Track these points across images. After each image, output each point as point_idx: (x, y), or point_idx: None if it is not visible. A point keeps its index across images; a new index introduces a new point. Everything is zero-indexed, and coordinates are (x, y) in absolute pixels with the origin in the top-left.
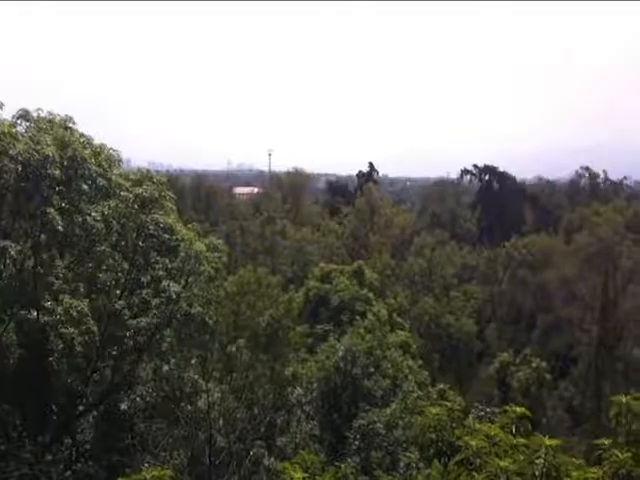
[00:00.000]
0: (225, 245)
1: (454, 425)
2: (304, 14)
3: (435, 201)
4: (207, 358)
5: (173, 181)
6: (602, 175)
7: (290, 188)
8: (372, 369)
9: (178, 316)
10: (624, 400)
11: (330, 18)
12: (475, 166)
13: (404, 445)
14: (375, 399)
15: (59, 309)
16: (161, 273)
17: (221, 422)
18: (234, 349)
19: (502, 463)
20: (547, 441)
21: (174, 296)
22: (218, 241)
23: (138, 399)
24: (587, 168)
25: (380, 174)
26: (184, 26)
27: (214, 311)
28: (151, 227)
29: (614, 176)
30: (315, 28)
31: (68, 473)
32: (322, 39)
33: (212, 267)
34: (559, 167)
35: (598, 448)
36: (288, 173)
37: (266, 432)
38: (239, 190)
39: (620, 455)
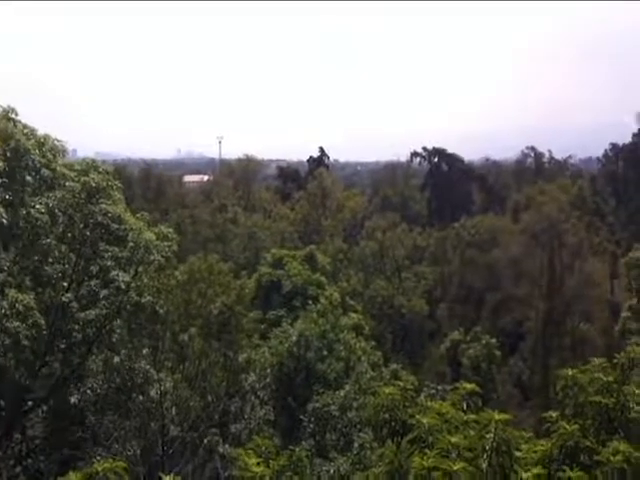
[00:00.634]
0: (175, 234)
1: (407, 404)
2: None
3: (386, 184)
4: (158, 348)
5: (121, 170)
6: (547, 155)
7: (241, 175)
8: (325, 352)
9: (128, 306)
10: (570, 373)
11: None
12: (424, 148)
13: (358, 426)
14: (329, 382)
15: (4, 303)
16: (109, 263)
17: (174, 411)
18: (186, 338)
19: (453, 439)
20: (497, 416)
21: (123, 286)
22: (168, 230)
23: (88, 392)
24: (532, 148)
25: (331, 159)
26: (128, 16)
27: (165, 300)
28: (99, 217)
29: (559, 155)
30: (260, 12)
31: (18, 469)
32: (267, 24)
33: (162, 256)
34: (506, 148)
35: (546, 421)
36: (239, 160)
37: (220, 419)
38: (189, 178)
39: (568, 427)
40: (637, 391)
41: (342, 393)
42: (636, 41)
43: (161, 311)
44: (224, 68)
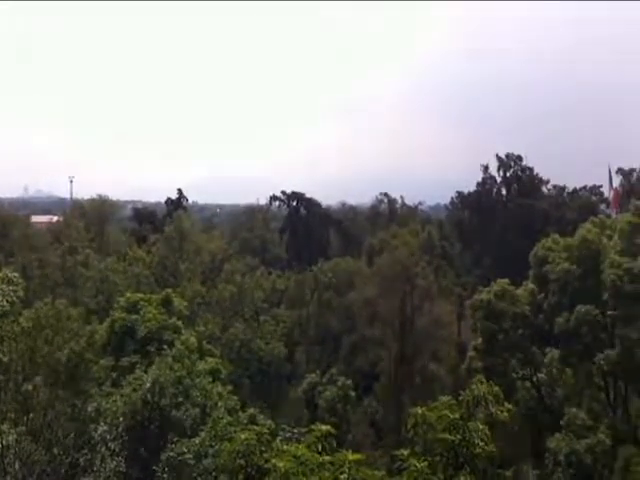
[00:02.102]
0: (21, 278)
1: (263, 449)
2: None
3: (245, 227)
4: (0, 399)
5: None
6: (399, 201)
7: (94, 216)
8: (181, 399)
9: None
10: (420, 412)
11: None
12: (283, 192)
13: (214, 474)
14: (185, 429)
15: None
16: None
17: (17, 466)
18: (30, 387)
19: None
20: (350, 456)
21: None
22: (13, 274)
23: None
24: (386, 194)
25: (190, 201)
26: None
27: (8, 348)
28: None
29: (410, 201)
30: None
31: None
32: (118, 57)
33: (7, 301)
34: (361, 193)
35: (398, 459)
36: (91, 200)
37: (68, 473)
38: (37, 219)
39: (417, 464)
40: (481, 427)
41: (197, 440)
42: (483, 95)
43: (4, 359)
44: (75, 103)
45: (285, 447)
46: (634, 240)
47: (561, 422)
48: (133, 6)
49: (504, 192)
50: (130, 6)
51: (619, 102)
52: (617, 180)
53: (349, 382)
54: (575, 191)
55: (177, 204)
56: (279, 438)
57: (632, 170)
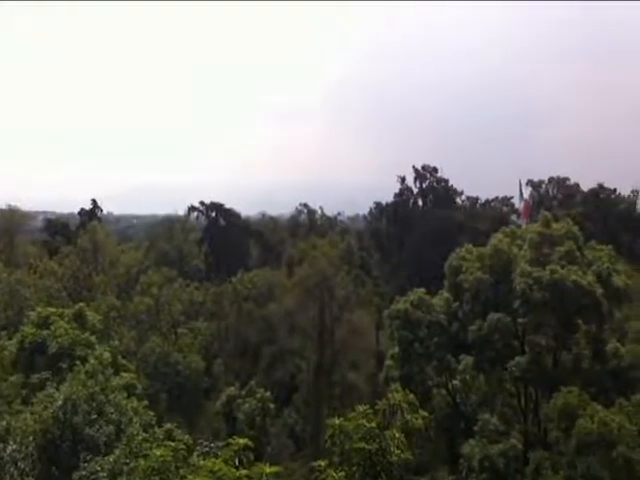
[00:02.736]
0: None
1: (179, 465)
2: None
3: (162, 238)
4: None
5: None
6: (319, 211)
7: (2, 227)
8: (95, 415)
9: None
10: (337, 422)
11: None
12: (202, 203)
13: None
14: (98, 447)
15: None
16: None
17: None
18: None
19: None
20: (267, 469)
21: None
22: None
23: None
24: (305, 205)
25: (105, 211)
26: None
27: None
28: None
29: (329, 212)
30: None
31: None
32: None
33: None
34: (282, 204)
35: (315, 470)
36: (1, 211)
37: None
38: None
39: (335, 475)
40: (397, 435)
41: (112, 458)
42: (404, 108)
43: None
44: None
45: (202, 462)
46: (543, 250)
47: (475, 428)
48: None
49: (420, 203)
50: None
51: (529, 115)
52: (527, 192)
53: (268, 394)
54: (487, 202)
55: (91, 215)
56: (196, 453)
57: (541, 182)
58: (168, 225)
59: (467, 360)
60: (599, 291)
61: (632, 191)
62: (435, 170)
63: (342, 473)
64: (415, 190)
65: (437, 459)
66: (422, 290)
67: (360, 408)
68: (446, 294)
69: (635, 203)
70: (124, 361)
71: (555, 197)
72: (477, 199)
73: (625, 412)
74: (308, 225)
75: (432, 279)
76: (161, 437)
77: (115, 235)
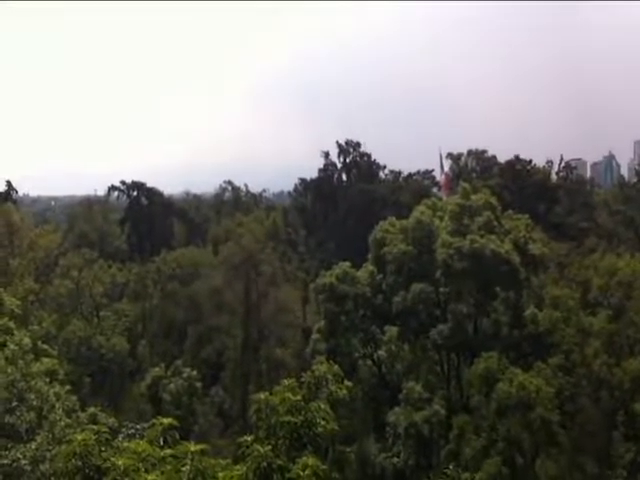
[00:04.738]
0: None
1: (102, 448)
2: None
3: (82, 220)
4: None
5: None
6: (244, 189)
7: None
8: (15, 403)
9: None
10: (263, 396)
11: None
12: (123, 182)
13: (52, 478)
14: (20, 434)
15: None
16: None
17: None
18: None
19: (150, 477)
20: (193, 447)
21: None
22: None
23: None
24: (230, 182)
25: (20, 193)
26: None
27: None
28: None
29: (254, 189)
30: None
31: None
32: None
33: None
34: (205, 182)
35: (242, 446)
36: None
37: None
38: None
39: (261, 449)
40: (323, 407)
41: (34, 445)
42: (322, 83)
43: None
44: None
45: (126, 444)
46: (462, 221)
47: (400, 396)
48: None
49: (345, 178)
50: None
51: (449, 89)
52: (447, 165)
53: (195, 373)
54: (410, 176)
55: (5, 197)
56: (121, 436)
57: (460, 155)
58: (87, 206)
59: (392, 331)
60: (516, 259)
61: (547, 162)
62: (358, 145)
63: (268, 447)
64: (339, 165)
65: (364, 428)
66: (347, 264)
67: (286, 382)
68: (370, 267)
69: (549, 173)
70: (45, 346)
71: (474, 169)
72: (400, 173)
73: (543, 375)
74: (233, 202)
75: (357, 253)
76: (85, 422)
77: (32, 217)
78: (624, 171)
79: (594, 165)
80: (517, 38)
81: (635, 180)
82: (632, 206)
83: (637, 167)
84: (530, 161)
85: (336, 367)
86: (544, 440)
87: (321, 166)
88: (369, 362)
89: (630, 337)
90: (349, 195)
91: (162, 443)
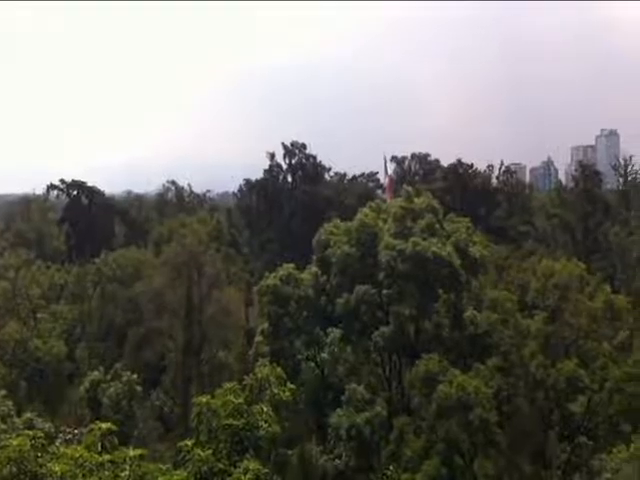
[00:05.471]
0: None
1: (38, 454)
2: None
3: (19, 219)
4: None
5: None
6: (187, 189)
7: None
8: None
9: None
10: (204, 400)
11: None
12: (62, 181)
13: None
14: None
15: None
16: None
17: None
18: None
19: None
20: (131, 452)
21: None
22: None
23: None
24: (173, 182)
25: None
26: None
27: None
28: None
29: (198, 189)
30: None
31: None
32: None
33: None
34: (147, 181)
35: (182, 450)
36: None
37: None
38: None
39: (201, 453)
40: (265, 409)
41: None
42: (273, 85)
43: None
44: None
45: (63, 450)
46: (406, 223)
47: (342, 398)
48: None
49: (290, 179)
50: None
51: (395, 92)
52: (391, 168)
53: (135, 377)
54: (354, 178)
55: None
56: (58, 441)
57: (404, 158)
58: (25, 204)
59: (335, 332)
60: (457, 261)
61: (487, 166)
62: (304, 146)
63: (209, 451)
64: (284, 166)
65: (307, 431)
66: (291, 265)
67: (228, 385)
68: (314, 269)
69: (490, 178)
70: None
71: (417, 173)
72: (344, 175)
73: (481, 376)
74: (177, 203)
75: (301, 254)
76: (21, 427)
77: None
78: (561, 176)
79: (533, 170)
80: (462, 41)
81: (572, 185)
82: (568, 210)
83: (574, 172)
84: (472, 165)
85: (279, 369)
86: (482, 440)
87: (267, 167)
88: (312, 364)
89: (565, 338)
90: (294, 196)
91: (100, 448)
